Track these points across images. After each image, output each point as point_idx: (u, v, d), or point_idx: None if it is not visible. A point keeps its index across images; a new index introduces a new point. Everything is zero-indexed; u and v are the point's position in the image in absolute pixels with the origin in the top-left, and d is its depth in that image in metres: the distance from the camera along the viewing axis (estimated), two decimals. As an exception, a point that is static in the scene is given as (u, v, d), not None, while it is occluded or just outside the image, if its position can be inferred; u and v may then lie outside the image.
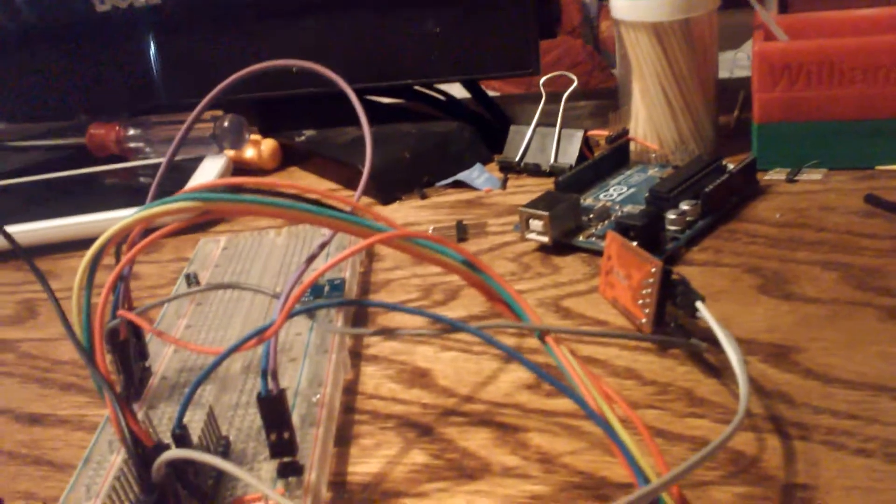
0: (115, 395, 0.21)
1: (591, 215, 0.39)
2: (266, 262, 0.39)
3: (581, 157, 0.45)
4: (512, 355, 0.23)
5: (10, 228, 0.46)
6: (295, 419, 0.27)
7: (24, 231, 0.46)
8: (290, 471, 0.24)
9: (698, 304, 0.28)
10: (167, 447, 0.22)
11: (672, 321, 0.30)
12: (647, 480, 0.20)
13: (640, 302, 0.30)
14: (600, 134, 0.46)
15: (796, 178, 0.41)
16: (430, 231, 0.42)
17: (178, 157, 0.33)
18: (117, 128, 0.55)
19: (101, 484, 0.26)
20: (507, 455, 0.26)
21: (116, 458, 0.27)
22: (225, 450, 0.26)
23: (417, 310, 0.27)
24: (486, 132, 0.51)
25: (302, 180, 0.53)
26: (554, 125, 0.46)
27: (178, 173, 0.50)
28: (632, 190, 0.41)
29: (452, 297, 0.36)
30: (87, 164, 0.55)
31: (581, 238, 0.38)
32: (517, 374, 0.30)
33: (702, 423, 0.26)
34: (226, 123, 0.51)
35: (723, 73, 0.46)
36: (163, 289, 0.41)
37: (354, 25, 0.51)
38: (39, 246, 0.46)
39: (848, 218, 0.37)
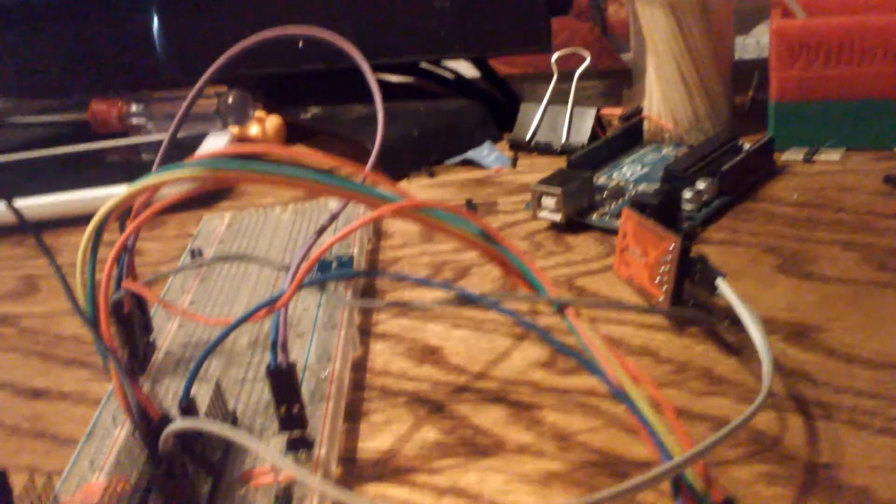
0: (121, 365, 0.20)
1: (605, 194, 0.38)
2: (272, 238, 0.38)
3: (593, 135, 0.44)
4: (527, 326, 0.22)
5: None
6: (304, 395, 0.26)
7: (26, 206, 0.45)
8: (299, 445, 0.23)
9: (718, 281, 0.27)
10: (173, 420, 0.22)
11: (690, 299, 0.29)
12: (670, 457, 0.20)
13: (658, 280, 0.29)
14: (613, 113, 0.46)
15: (813, 158, 0.40)
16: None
17: (181, 134, 0.32)
18: (120, 104, 0.54)
19: (105, 457, 0.25)
20: (522, 432, 0.26)
21: (121, 432, 0.26)
22: (232, 424, 0.25)
23: (432, 281, 0.26)
24: (495, 110, 0.50)
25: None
26: (565, 104, 0.45)
27: (182, 150, 0.49)
28: (646, 169, 0.41)
29: (463, 274, 0.35)
30: (89, 140, 0.54)
31: (594, 217, 0.37)
32: (530, 352, 0.29)
33: (721, 403, 0.26)
34: (230, 99, 0.50)
35: (734, 56, 0.46)
36: (166, 265, 0.40)
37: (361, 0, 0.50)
38: (41, 221, 0.46)
39: (867, 198, 0.36)
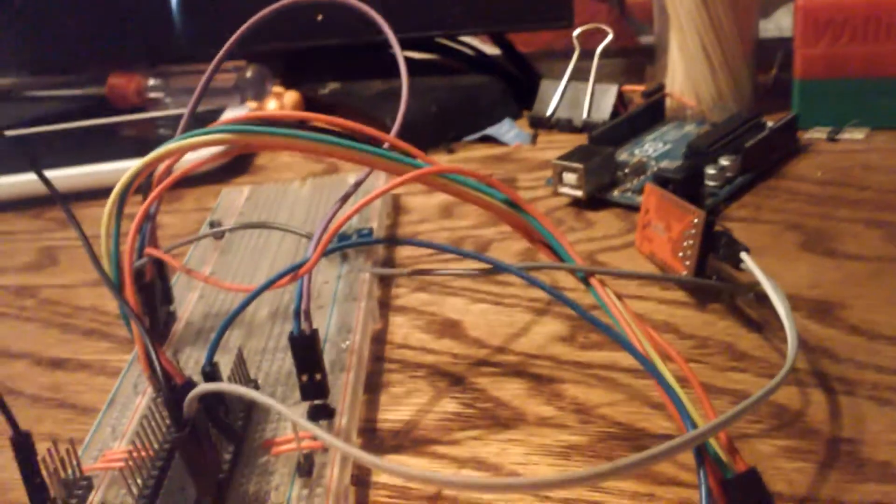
0: (145, 329, 0.20)
1: (627, 170, 0.38)
2: (291, 211, 0.38)
3: (615, 112, 0.44)
4: (556, 296, 0.22)
5: (28, 177, 0.45)
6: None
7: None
8: (321, 414, 0.23)
9: (743, 255, 0.27)
10: (196, 385, 0.22)
11: (714, 274, 0.29)
12: (695, 426, 0.19)
13: (681, 254, 0.29)
14: (635, 90, 0.45)
15: (837, 136, 0.40)
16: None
17: (199, 109, 0.32)
18: (137, 78, 0.54)
19: (126, 425, 0.25)
20: (542, 405, 0.26)
21: (142, 401, 0.26)
22: (253, 393, 0.25)
23: (455, 248, 0.26)
24: (515, 87, 0.49)
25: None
26: (586, 80, 0.45)
27: (199, 125, 0.49)
28: (668, 146, 0.40)
29: (483, 249, 0.35)
30: (107, 115, 0.54)
31: (616, 193, 0.37)
32: (550, 327, 0.29)
33: (744, 378, 0.25)
34: (248, 74, 0.50)
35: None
36: (185, 238, 0.40)
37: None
38: (61, 194, 0.46)
39: (891, 177, 0.36)
